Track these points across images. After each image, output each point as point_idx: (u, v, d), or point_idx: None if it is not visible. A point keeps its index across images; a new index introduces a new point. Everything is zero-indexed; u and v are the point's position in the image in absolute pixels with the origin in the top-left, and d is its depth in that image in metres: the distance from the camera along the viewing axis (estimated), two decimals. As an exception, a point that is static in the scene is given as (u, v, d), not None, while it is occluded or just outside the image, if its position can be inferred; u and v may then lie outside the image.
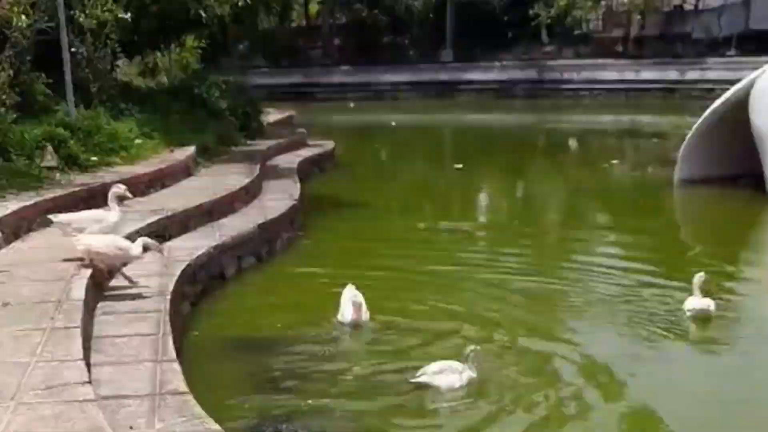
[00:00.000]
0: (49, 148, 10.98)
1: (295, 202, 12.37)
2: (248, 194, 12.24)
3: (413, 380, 6.85)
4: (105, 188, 10.29)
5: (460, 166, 19.42)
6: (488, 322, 8.46)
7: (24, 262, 7.70)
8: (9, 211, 8.68)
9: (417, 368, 6.94)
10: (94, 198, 10.20)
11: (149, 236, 9.31)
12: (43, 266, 7.54)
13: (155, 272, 8.27)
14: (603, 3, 48.20)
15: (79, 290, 6.82)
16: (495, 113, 36.34)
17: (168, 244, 9.59)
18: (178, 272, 8.36)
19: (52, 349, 5.56)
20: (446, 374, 6.82)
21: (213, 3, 16.22)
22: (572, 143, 26.18)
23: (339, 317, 8.46)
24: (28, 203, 9.10)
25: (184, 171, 12.81)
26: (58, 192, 9.85)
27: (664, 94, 39.67)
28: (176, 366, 5.90)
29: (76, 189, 10.09)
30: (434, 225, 13.38)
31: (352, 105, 38.16)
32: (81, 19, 14.17)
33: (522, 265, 10.74)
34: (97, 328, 6.69)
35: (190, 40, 20.76)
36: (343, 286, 8.70)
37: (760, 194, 14.66)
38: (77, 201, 9.89)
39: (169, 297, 7.51)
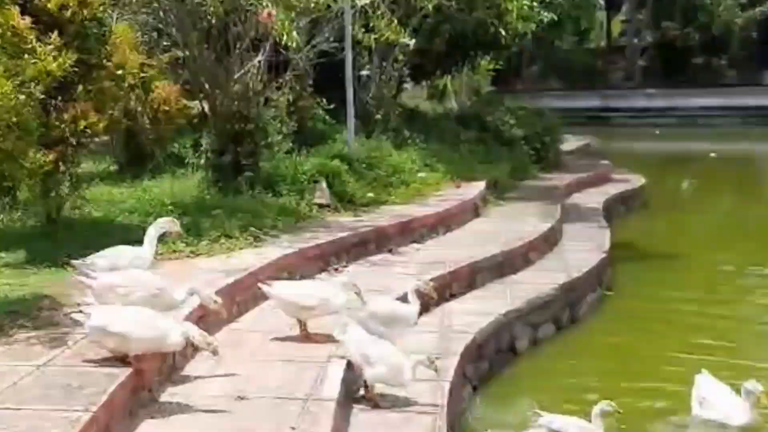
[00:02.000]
0: (322, 183, 9.88)
1: (605, 255, 10.32)
2: (547, 242, 10.39)
3: None
4: (379, 234, 9.03)
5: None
6: None
7: (278, 331, 6.38)
8: (267, 260, 7.49)
9: None
10: (365, 245, 8.89)
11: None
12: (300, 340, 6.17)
13: (430, 346, 6.66)
14: None
15: (332, 384, 5.31)
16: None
17: (448, 305, 8.02)
18: (460, 349, 6.70)
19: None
20: None
21: (515, 20, 14.60)
22: None
23: (699, 412, 6.49)
24: (289, 251, 7.89)
25: (472, 211, 11.23)
26: (323, 237, 8.58)
27: None
28: None
29: (345, 234, 8.79)
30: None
31: (657, 132, 34.99)
32: (365, 39, 13.12)
33: None
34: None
35: (484, 63, 19.35)
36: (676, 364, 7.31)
37: None
38: (346, 248, 8.61)
39: (448, 388, 5.85)
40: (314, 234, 8.68)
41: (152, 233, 6.00)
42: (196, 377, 5.41)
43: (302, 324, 6.16)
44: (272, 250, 7.90)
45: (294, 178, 9.88)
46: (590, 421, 5.89)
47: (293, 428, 4.66)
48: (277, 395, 5.11)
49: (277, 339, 6.19)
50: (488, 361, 7.43)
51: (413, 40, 13.32)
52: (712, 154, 25.59)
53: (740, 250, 13.13)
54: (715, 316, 9.32)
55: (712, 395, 6.52)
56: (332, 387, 5.24)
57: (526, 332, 8.20)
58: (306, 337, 6.13)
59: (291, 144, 10.78)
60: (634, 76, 45.50)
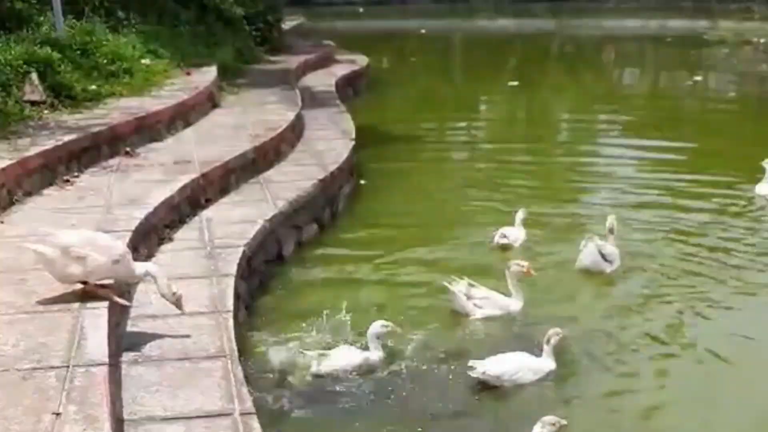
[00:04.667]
0: (33, 76, 8.05)
1: (353, 143, 9.54)
2: (294, 132, 9.40)
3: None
4: (112, 133, 7.54)
5: (515, 83, 16.52)
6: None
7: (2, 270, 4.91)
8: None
9: None
10: (98, 148, 7.38)
11: (182, 203, 6.67)
12: (34, 281, 4.73)
13: (199, 270, 5.56)
14: None
15: (97, 339, 4.07)
16: (521, 18, 33.07)
17: (205, 214, 6.86)
18: (232, 268, 5.63)
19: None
20: None
21: None
22: (627, 54, 23.02)
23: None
24: (7, 163, 6.23)
25: (209, 101, 9.91)
26: (45, 141, 6.92)
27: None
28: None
29: (72, 136, 7.19)
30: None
31: (361, 10, 34.70)
32: None
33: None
34: (129, 397, 4.00)
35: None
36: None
37: None
38: (75, 153, 7.06)
39: (231, 322, 4.82)
40: (33, 139, 7.00)
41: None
42: None
43: None
44: (-19, 164, 6.21)
45: (-4, 70, 7.95)
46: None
47: (57, 414, 3.43)
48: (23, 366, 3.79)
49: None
50: (259, 276, 6.44)
51: None
52: (422, 31, 25.68)
53: (452, 117, 13.85)
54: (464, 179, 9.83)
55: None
56: (98, 346, 4.00)
57: (291, 236, 7.28)
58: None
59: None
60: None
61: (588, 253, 6.57)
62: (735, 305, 6.18)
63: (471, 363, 4.98)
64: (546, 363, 5.13)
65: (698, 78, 16.89)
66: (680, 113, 14.51)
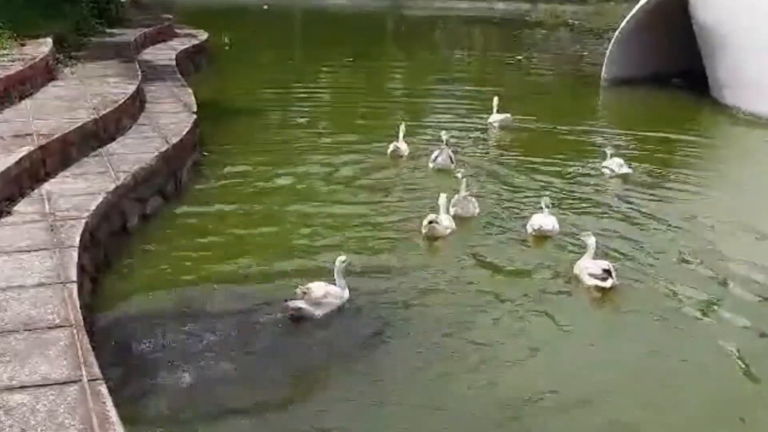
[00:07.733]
0: None
1: (195, 116, 9.39)
2: (135, 105, 9.14)
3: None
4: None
5: (351, 60, 16.71)
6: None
7: None
8: None
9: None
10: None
11: (21, 175, 6.40)
12: None
13: (41, 242, 5.38)
14: None
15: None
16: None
17: (46, 187, 6.60)
18: (76, 239, 5.47)
19: None
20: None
21: None
22: (456, 34, 23.65)
23: None
24: None
25: (46, 73, 9.44)
26: None
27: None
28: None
29: None
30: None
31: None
32: None
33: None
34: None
35: None
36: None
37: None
38: None
39: (75, 291, 4.71)
40: None
41: None
42: None
43: None
44: None
45: None
46: None
47: None
48: None
49: None
50: (104, 249, 6.28)
51: None
52: (265, 6, 25.32)
53: (292, 89, 13.94)
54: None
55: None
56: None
57: (136, 208, 7.12)
58: None
59: None
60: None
61: (444, 157, 9.00)
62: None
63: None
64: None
65: (520, 57, 17.69)
66: (498, 83, 15.36)
